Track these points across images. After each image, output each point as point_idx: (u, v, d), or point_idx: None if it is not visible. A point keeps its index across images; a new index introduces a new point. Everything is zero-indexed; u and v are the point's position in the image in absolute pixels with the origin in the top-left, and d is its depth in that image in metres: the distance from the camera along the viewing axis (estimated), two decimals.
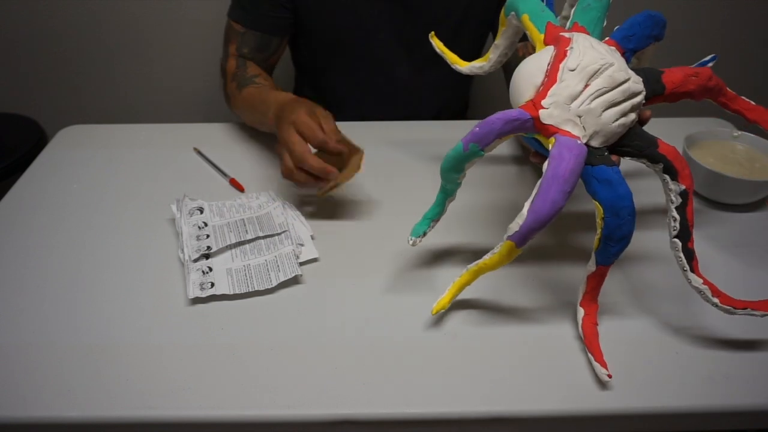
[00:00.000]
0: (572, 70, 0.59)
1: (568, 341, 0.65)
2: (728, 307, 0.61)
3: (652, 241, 0.77)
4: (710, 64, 0.72)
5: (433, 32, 0.83)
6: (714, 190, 0.83)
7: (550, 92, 0.59)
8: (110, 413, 0.58)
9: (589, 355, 0.62)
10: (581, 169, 0.58)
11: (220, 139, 1.00)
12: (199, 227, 0.78)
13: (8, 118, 1.48)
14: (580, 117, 0.59)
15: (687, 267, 0.62)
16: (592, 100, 0.59)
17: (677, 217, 0.61)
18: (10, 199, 0.87)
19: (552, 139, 0.59)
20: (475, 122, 1.05)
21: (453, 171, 0.63)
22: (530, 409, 0.58)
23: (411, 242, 0.68)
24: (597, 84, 0.59)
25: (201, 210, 0.81)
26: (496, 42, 0.78)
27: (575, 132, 0.59)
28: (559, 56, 0.61)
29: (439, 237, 0.79)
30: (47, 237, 0.80)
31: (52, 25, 1.43)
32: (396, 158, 0.96)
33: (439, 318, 0.67)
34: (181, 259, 0.74)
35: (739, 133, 0.90)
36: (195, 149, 0.97)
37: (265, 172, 0.93)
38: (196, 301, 0.69)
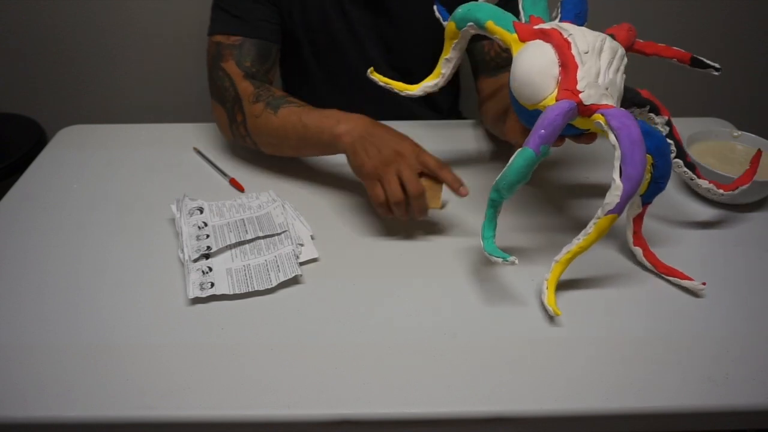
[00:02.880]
0: (586, 53, 0.65)
1: (567, 341, 0.65)
2: (730, 192, 0.76)
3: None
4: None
5: (372, 68, 0.83)
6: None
7: (579, 76, 0.64)
8: (110, 413, 0.58)
9: (672, 279, 0.70)
10: None
11: (220, 139, 1.00)
12: (199, 227, 0.78)
13: (8, 118, 1.48)
14: (607, 89, 0.65)
15: (693, 176, 0.77)
16: (608, 71, 0.66)
17: (671, 141, 0.73)
18: (10, 199, 0.87)
19: (598, 116, 0.63)
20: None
21: (522, 181, 0.63)
22: (530, 409, 0.58)
23: (511, 260, 0.64)
24: (605, 57, 0.66)
25: (201, 210, 0.81)
26: (447, 56, 0.79)
27: (610, 103, 0.64)
28: (564, 45, 0.65)
29: (437, 236, 0.79)
30: (47, 237, 0.79)
31: (52, 25, 1.42)
32: None
33: (439, 318, 0.67)
34: (181, 259, 0.74)
35: (739, 133, 0.90)
36: (195, 149, 0.97)
37: (265, 172, 0.93)
38: (196, 301, 0.69)
